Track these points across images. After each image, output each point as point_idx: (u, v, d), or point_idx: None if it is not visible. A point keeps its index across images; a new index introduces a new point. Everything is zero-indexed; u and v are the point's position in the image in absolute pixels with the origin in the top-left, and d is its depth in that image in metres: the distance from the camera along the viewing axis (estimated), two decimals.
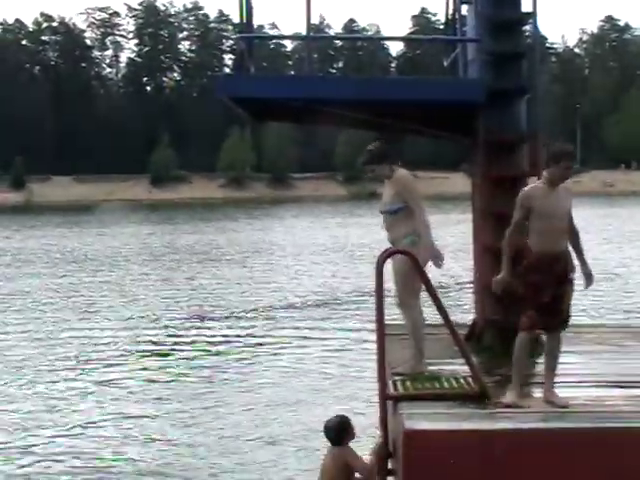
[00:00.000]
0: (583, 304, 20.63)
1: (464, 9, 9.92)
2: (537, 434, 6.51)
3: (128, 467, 10.40)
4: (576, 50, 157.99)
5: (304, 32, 8.86)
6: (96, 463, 10.65)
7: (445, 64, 10.26)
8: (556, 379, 8.00)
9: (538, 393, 8.08)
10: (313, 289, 25.45)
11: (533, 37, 9.42)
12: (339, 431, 7.55)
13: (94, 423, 12.37)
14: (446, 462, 6.42)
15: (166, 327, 20.00)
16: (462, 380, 7.43)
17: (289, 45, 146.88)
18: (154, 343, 18.23)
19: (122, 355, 16.99)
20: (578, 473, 6.43)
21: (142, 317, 21.29)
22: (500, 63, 9.09)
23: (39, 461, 10.75)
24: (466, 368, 7.29)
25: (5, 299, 24.84)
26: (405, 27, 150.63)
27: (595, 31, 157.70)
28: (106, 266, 33.79)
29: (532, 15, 9.12)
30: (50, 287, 27.39)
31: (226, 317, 21.07)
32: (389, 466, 7.34)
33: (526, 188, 7.28)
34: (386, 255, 7.28)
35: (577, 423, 6.60)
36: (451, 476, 6.46)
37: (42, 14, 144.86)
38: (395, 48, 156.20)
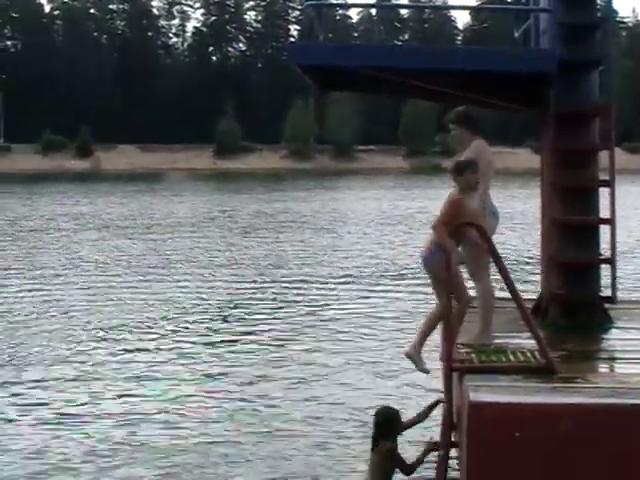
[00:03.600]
0: None
1: None
2: (603, 409, 6.45)
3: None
4: None
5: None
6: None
7: (516, 35, 10.13)
8: (619, 355, 7.95)
9: (604, 369, 8.05)
10: (394, 259, 25.70)
11: (606, 8, 9.27)
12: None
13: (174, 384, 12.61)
14: (510, 435, 6.38)
15: (256, 290, 20.51)
16: (528, 354, 7.38)
17: (354, 16, 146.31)
18: (238, 306, 18.59)
19: (210, 319, 17.30)
20: None
21: (236, 280, 21.97)
22: (573, 34, 8.95)
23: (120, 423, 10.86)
24: (532, 342, 7.24)
25: (103, 263, 25.35)
26: (472, 0, 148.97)
27: None
28: (196, 231, 34.32)
29: None
30: (142, 252, 27.90)
31: (319, 282, 21.62)
32: (452, 438, 7.34)
33: None
34: (455, 226, 7.25)
35: None
36: (515, 449, 6.42)
37: None
38: (462, 20, 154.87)
